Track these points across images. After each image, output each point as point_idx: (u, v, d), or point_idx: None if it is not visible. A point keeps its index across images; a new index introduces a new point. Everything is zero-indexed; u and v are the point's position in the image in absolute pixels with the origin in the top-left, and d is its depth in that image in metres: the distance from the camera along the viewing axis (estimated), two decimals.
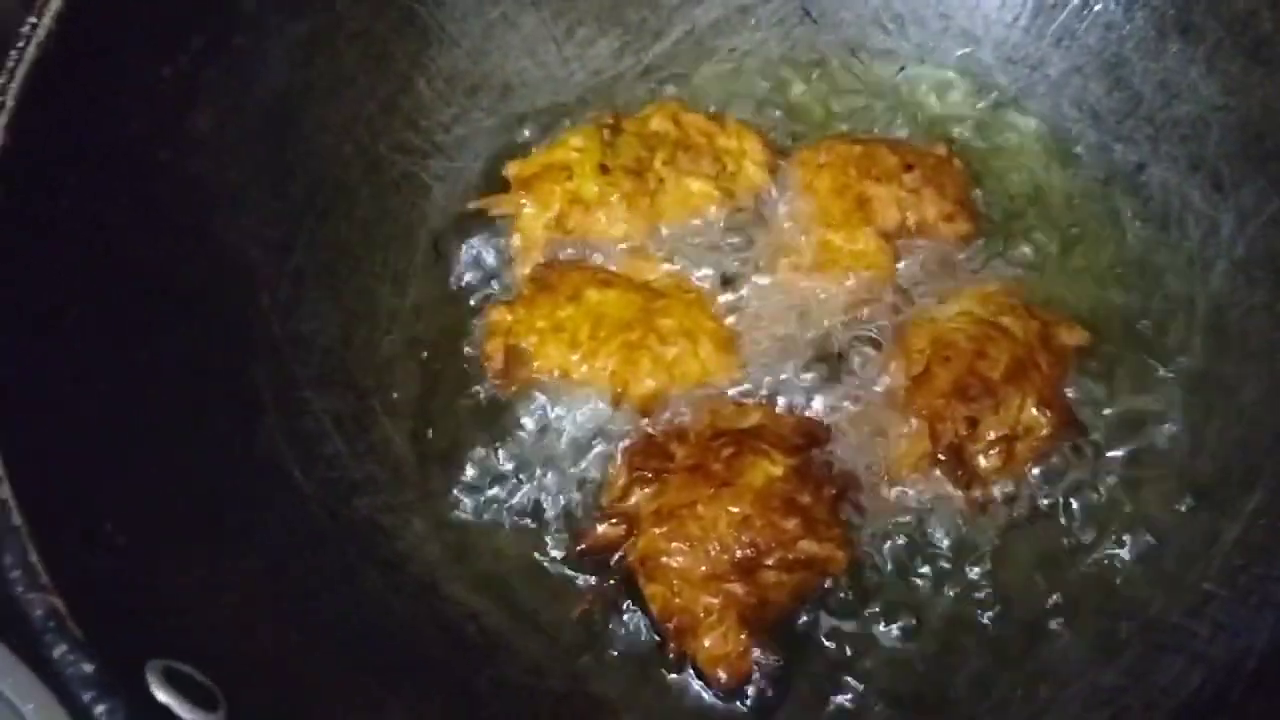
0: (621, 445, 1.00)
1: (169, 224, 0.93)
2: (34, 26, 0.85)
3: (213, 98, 0.98)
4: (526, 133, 1.19)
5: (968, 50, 1.22)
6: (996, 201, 1.14)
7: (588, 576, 0.96)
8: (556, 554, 0.98)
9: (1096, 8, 1.16)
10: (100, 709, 0.63)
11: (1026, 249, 1.11)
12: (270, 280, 1.00)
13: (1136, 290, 1.09)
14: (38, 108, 0.83)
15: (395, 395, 1.04)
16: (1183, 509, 0.98)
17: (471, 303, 1.10)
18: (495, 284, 1.11)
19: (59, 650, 0.65)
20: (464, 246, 1.13)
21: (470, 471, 1.01)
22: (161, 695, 0.66)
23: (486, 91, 1.19)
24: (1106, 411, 1.02)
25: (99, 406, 0.81)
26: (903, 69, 1.23)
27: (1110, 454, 1.00)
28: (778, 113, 1.21)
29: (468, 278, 1.11)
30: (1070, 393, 1.02)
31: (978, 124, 1.20)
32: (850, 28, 1.25)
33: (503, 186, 1.14)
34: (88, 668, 0.64)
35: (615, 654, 0.93)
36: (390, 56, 1.13)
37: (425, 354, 1.07)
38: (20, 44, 0.84)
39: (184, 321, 0.91)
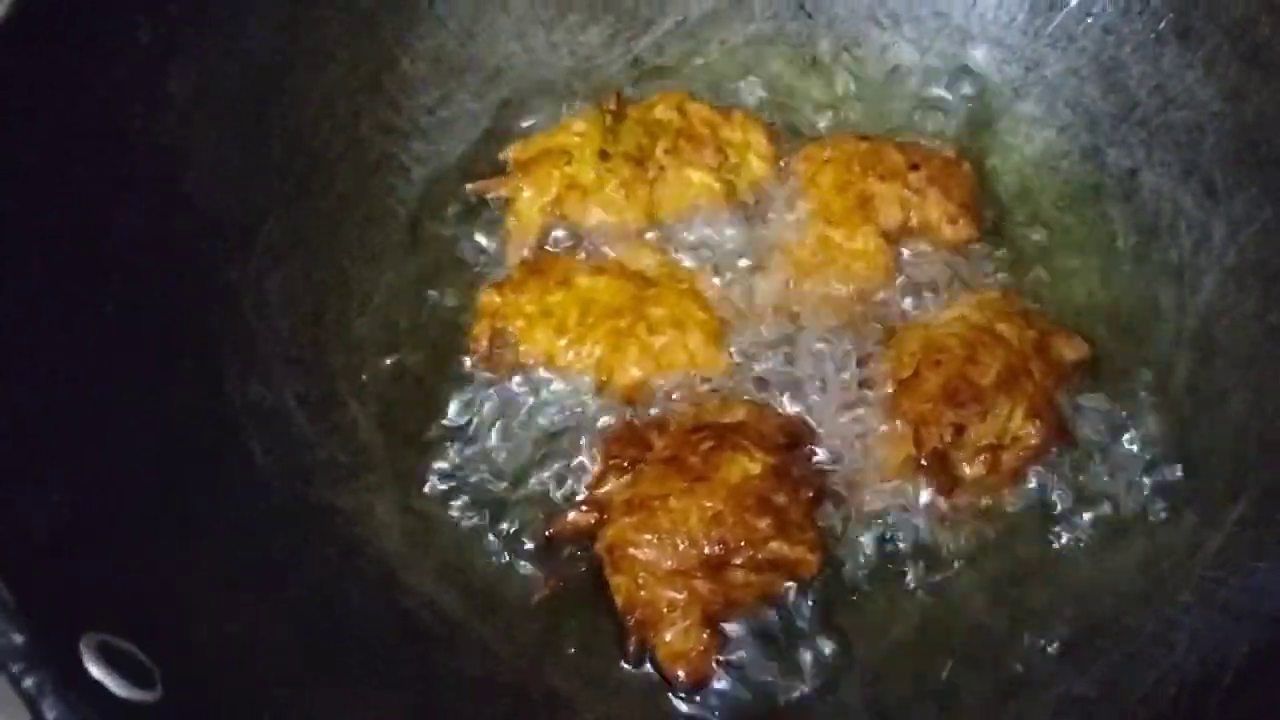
0: (600, 432, 0.99)
1: (140, 185, 0.91)
2: None
3: (191, 63, 0.97)
4: (511, 118, 1.17)
5: (963, 48, 1.20)
6: (987, 203, 1.12)
7: (554, 565, 0.94)
8: (524, 543, 0.95)
9: (1094, 9, 1.14)
10: (28, 681, 0.61)
11: (1014, 253, 1.10)
12: (241, 251, 0.99)
13: (1125, 297, 1.07)
14: (11, 61, 0.83)
15: (364, 378, 1.02)
16: (1166, 519, 0.96)
17: (450, 287, 1.08)
18: (476, 269, 1.09)
19: None
20: (445, 230, 1.11)
21: (438, 457, 0.99)
22: (95, 670, 0.64)
23: (472, 74, 1.17)
24: (1094, 422, 1.00)
25: (54, 368, 0.79)
26: (896, 67, 1.21)
27: (1096, 464, 0.98)
28: (768, 106, 1.19)
29: (447, 262, 1.10)
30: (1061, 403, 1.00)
31: (970, 124, 1.18)
32: (845, 23, 1.23)
33: (485, 171, 1.13)
34: (18, 638, 0.62)
35: (575, 647, 0.91)
36: (376, 32, 1.11)
37: (398, 337, 1.05)
38: None
39: (149, 287, 0.89)
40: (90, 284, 0.85)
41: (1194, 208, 1.07)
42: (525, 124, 1.17)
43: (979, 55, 1.20)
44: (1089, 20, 1.15)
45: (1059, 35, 1.17)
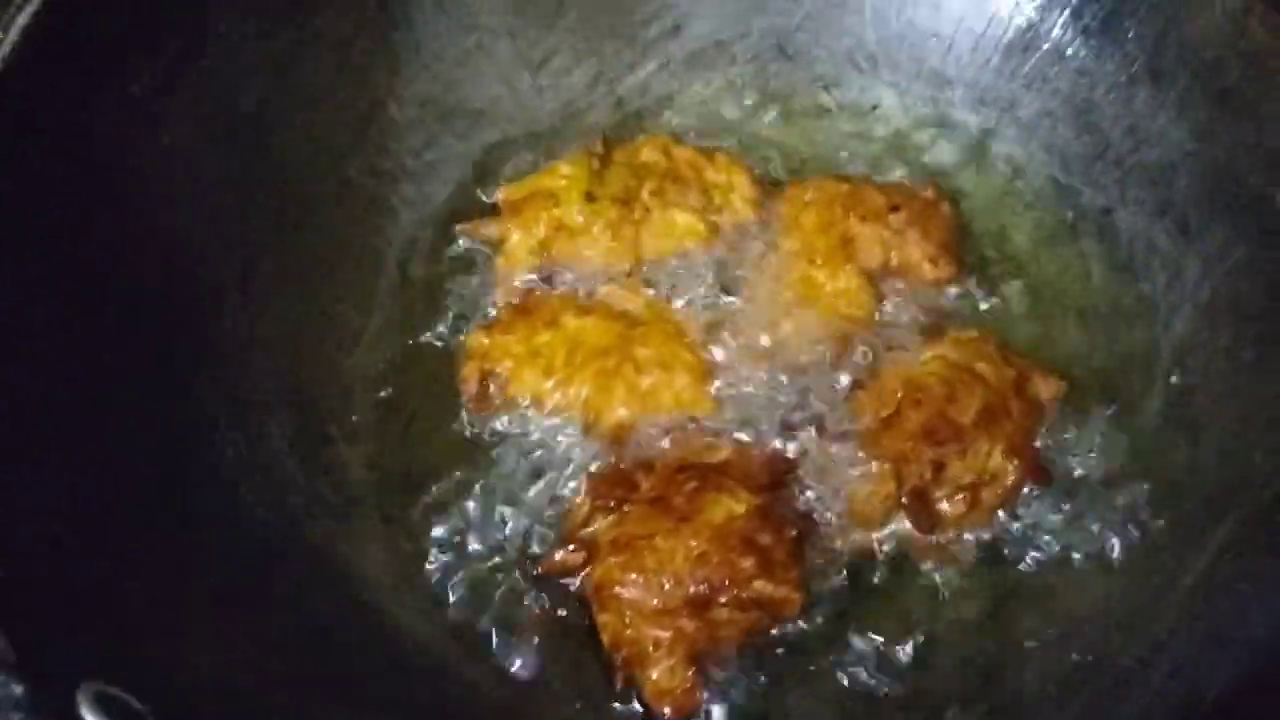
0: (588, 472, 1.00)
1: (132, 227, 0.92)
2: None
3: (183, 113, 0.98)
4: (497, 161, 1.19)
5: (940, 91, 1.23)
6: (964, 243, 1.14)
7: (542, 603, 0.95)
8: (513, 581, 0.97)
9: (1068, 52, 1.16)
10: None
11: (992, 291, 1.11)
12: (232, 291, 0.99)
13: (1101, 334, 1.09)
14: (4, 118, 0.83)
15: (355, 419, 1.03)
16: (1144, 551, 0.97)
17: (439, 328, 1.10)
18: (464, 310, 1.10)
19: None
20: (433, 271, 1.13)
21: (428, 499, 1.00)
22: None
23: (459, 118, 1.19)
24: (1071, 458, 1.02)
25: (40, 414, 0.80)
26: (875, 108, 1.24)
27: (1073, 500, 1.00)
28: (750, 148, 1.21)
29: (435, 303, 1.11)
30: (1038, 440, 1.02)
31: (948, 164, 1.20)
32: (824, 65, 1.25)
33: (473, 213, 1.14)
34: (17, 689, 0.63)
35: (563, 684, 0.92)
36: (364, 78, 1.13)
37: (388, 379, 1.06)
38: None
39: (142, 327, 0.90)
40: (82, 327, 0.86)
41: (1167, 246, 1.09)
42: (511, 166, 1.18)
43: (955, 97, 1.22)
44: (1062, 63, 1.17)
45: (1034, 77, 1.19)
